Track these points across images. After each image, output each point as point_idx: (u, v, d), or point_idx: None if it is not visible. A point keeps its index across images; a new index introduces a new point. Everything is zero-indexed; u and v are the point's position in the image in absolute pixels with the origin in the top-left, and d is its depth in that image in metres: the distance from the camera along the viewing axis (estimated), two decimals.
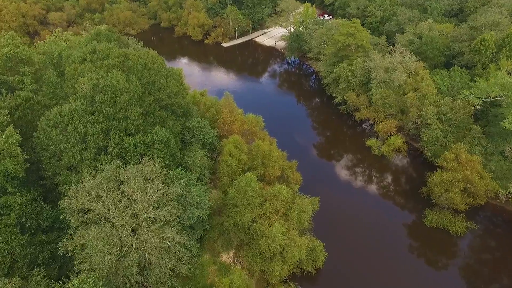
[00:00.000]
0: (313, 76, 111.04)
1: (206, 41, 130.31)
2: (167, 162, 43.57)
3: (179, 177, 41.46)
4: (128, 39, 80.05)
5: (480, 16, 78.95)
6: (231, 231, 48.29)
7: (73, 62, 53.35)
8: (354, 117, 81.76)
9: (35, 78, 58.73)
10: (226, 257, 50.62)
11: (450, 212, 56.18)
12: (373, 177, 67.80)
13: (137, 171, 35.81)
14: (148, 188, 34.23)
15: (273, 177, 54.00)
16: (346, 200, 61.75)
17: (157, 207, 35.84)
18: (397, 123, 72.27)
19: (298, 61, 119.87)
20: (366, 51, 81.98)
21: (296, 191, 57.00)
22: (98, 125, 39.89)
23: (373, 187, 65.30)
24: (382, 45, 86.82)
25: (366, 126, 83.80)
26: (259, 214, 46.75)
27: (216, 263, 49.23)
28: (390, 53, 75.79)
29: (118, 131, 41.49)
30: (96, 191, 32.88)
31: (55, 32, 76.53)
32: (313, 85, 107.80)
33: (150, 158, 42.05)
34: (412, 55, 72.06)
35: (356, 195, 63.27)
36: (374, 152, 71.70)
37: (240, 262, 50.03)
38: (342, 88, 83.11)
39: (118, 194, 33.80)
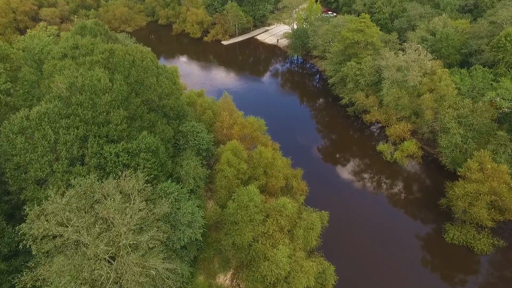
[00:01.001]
0: (317, 75, 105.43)
1: (205, 38, 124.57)
2: (155, 173, 37.84)
3: (168, 191, 35.64)
4: (119, 33, 74.47)
5: (500, 10, 72.90)
6: (229, 250, 42.51)
7: (53, 58, 47.75)
8: (362, 119, 76.16)
9: (13, 77, 52.95)
10: (223, 279, 44.86)
11: (474, 227, 50.33)
12: (385, 186, 61.92)
13: (116, 187, 30.00)
14: (128, 209, 28.40)
15: (277, 188, 48.19)
16: (357, 212, 55.85)
17: (140, 230, 30.07)
18: (411, 126, 66.35)
19: (302, 59, 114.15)
20: (376, 48, 76.09)
21: (302, 203, 51.26)
22: (73, 131, 34.10)
23: (386, 198, 59.42)
24: (393, 42, 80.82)
25: (375, 129, 78.04)
26: (261, 232, 40.94)
27: (212, 286, 43.49)
28: (403, 50, 69.84)
29: (97, 137, 35.74)
30: (64, 213, 27.08)
31: (38, 26, 70.66)
32: (317, 85, 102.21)
33: (134, 169, 36.36)
34: (428, 52, 66.04)
35: (367, 206, 57.38)
36: (386, 158, 65.80)
37: (239, 285, 44.22)
38: (350, 89, 77.27)
39: (92, 216, 28.00)
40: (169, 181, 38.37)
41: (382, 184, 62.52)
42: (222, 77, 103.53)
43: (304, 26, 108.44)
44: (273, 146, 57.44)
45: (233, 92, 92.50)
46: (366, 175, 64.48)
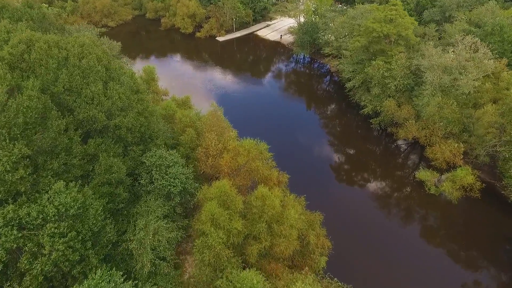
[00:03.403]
0: (328, 77, 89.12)
1: (198, 34, 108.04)
2: (76, 258, 21.29)
3: None
4: (78, 26, 57.82)
5: None
6: None
7: None
8: (387, 132, 60.38)
9: None
10: None
11: None
12: (431, 230, 45.36)
13: None
14: None
15: (287, 253, 31.58)
16: (403, 275, 39.28)
17: None
18: (463, 147, 49.90)
19: (309, 58, 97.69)
20: (410, 45, 59.57)
21: (323, 269, 34.84)
22: None
23: (435, 248, 42.93)
24: (431, 36, 64.24)
25: (405, 146, 61.59)
26: None
27: None
28: (453, 45, 53.21)
29: None
30: None
31: None
32: (328, 88, 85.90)
33: (33, 255, 19.84)
34: (487, 49, 49.36)
35: (413, 262, 40.78)
36: (429, 190, 49.27)
37: None
38: (375, 95, 60.81)
39: None
40: (104, 267, 21.83)
41: (427, 227, 45.96)
42: (216, 78, 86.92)
43: (313, 19, 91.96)
44: (279, 179, 40.93)
45: (228, 96, 76.29)
46: (402, 213, 47.93)
